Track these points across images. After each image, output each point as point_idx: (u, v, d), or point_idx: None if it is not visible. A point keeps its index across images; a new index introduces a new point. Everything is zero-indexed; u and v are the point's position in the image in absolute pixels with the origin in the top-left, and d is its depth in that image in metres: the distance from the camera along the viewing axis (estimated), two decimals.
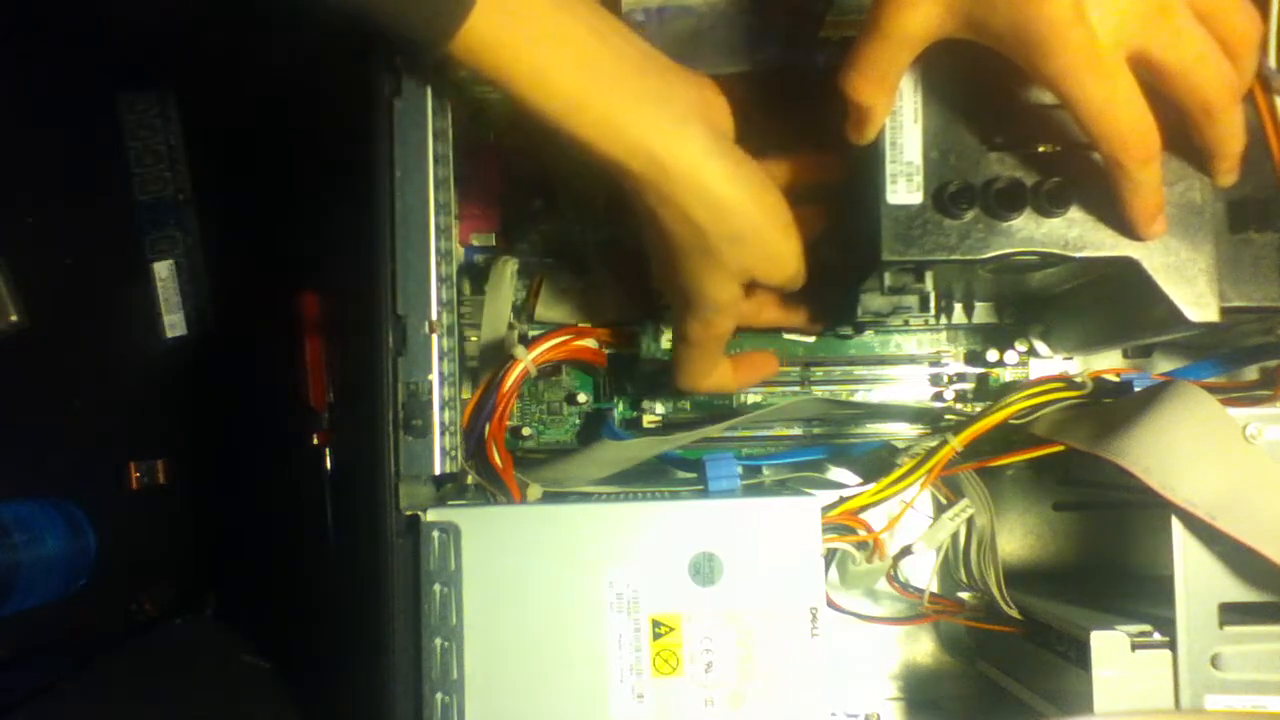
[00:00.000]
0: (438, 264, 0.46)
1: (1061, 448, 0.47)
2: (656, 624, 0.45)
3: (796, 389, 0.60)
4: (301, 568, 0.65)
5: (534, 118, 0.43)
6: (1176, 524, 0.44)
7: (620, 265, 0.57)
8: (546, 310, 0.58)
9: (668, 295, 0.51)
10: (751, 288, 0.49)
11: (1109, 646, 0.44)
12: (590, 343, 0.57)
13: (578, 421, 0.61)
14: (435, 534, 0.45)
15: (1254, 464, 0.43)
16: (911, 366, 0.60)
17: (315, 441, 0.66)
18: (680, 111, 0.44)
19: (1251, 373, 0.53)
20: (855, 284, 0.54)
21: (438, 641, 0.45)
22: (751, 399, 0.61)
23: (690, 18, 0.52)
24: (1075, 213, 0.46)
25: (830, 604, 0.49)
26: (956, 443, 0.49)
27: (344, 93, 0.47)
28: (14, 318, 0.66)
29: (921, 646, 0.62)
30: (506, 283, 0.56)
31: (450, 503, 0.47)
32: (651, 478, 0.56)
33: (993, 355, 0.59)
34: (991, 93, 0.46)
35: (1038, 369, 0.60)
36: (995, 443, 0.51)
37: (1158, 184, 0.43)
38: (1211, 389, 0.44)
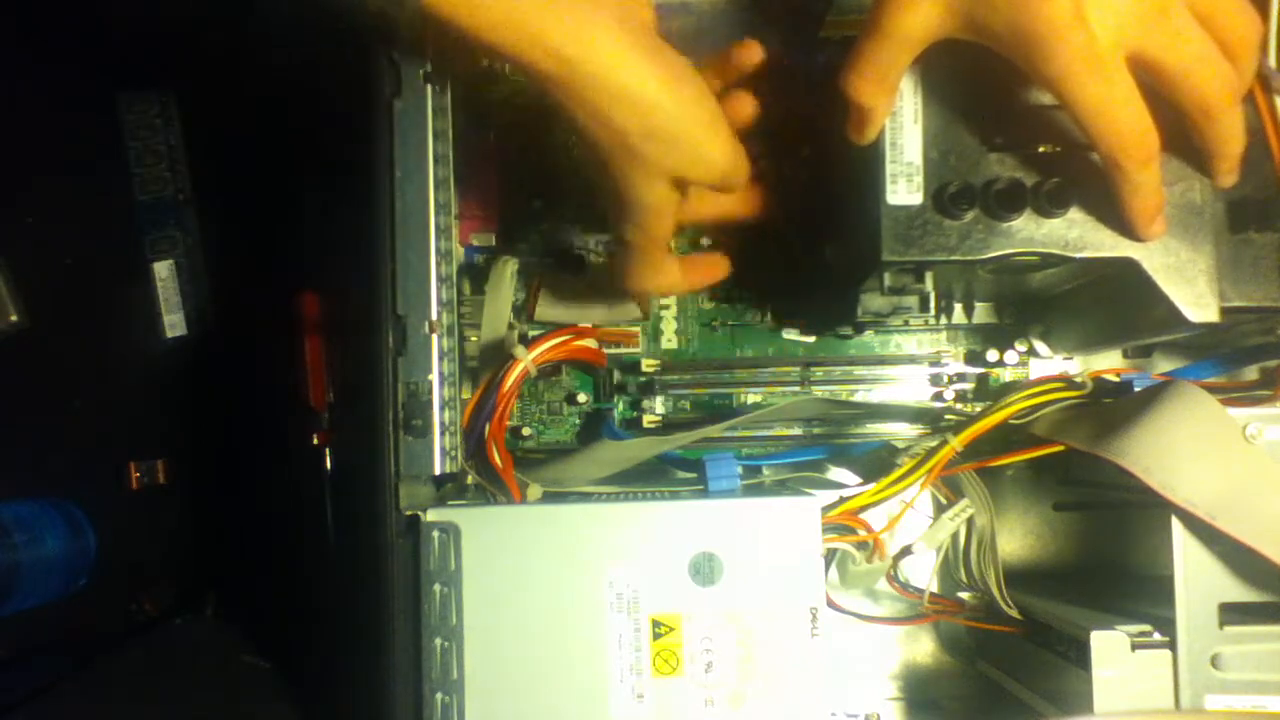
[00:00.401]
0: (438, 264, 0.46)
1: (1061, 448, 0.47)
2: (656, 624, 0.45)
3: (796, 389, 0.60)
4: (301, 568, 0.65)
5: (454, 34, 0.41)
6: (1176, 524, 0.44)
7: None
8: (546, 310, 0.58)
9: (602, 199, 0.49)
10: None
11: (1109, 646, 0.44)
12: (590, 343, 0.57)
13: (578, 421, 0.61)
14: (435, 534, 0.45)
15: (1254, 464, 0.43)
16: (911, 366, 0.60)
17: (315, 441, 0.66)
18: (590, 3, 0.42)
19: (1251, 373, 0.53)
20: (855, 284, 0.54)
21: (438, 641, 0.45)
22: (751, 399, 0.61)
23: (690, 17, 0.52)
24: (1075, 213, 0.46)
25: (830, 604, 0.49)
26: (956, 443, 0.49)
27: (344, 93, 0.47)
28: (14, 318, 0.66)
29: (921, 646, 0.62)
30: (506, 283, 0.56)
31: (450, 503, 0.47)
32: (651, 478, 0.56)
33: (993, 355, 0.59)
34: (991, 93, 0.46)
35: (1038, 369, 0.60)
36: (995, 443, 0.51)
37: (1157, 185, 0.43)
38: (1211, 389, 0.44)
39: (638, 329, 0.60)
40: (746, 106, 0.49)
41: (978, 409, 0.54)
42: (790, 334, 0.61)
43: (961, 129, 0.46)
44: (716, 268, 0.55)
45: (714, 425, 0.56)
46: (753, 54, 0.49)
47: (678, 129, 0.44)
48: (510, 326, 0.56)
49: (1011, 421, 0.49)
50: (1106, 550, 0.56)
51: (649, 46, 0.43)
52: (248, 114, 0.68)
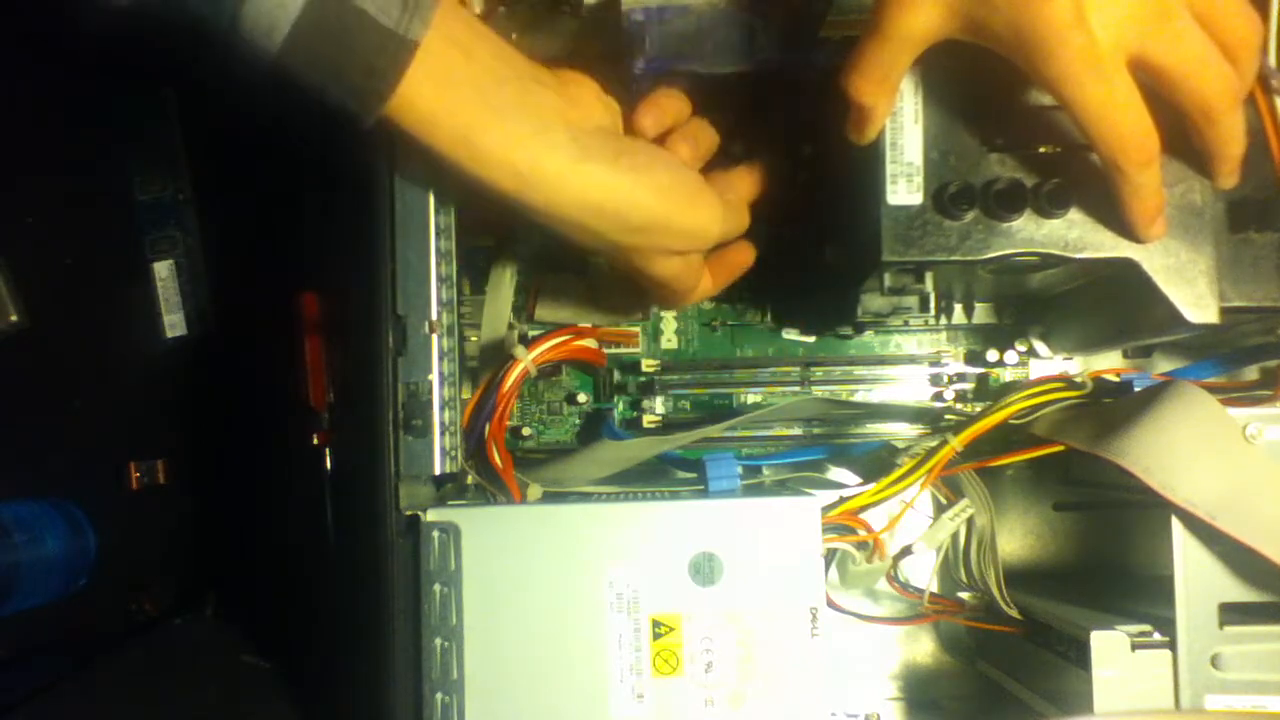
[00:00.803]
0: (438, 264, 0.46)
1: (1061, 448, 0.47)
2: (656, 624, 0.45)
3: (796, 389, 0.60)
4: (301, 568, 0.65)
5: (413, 146, 0.42)
6: (1176, 524, 0.44)
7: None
8: (546, 310, 0.58)
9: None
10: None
11: (1109, 646, 0.44)
12: (590, 343, 0.57)
13: (578, 421, 0.61)
14: (435, 534, 0.45)
15: (1254, 464, 0.43)
16: (911, 366, 0.61)
17: (315, 441, 0.66)
18: (541, 121, 0.42)
19: (1251, 373, 0.53)
20: (855, 284, 0.54)
21: (438, 641, 0.45)
22: (751, 399, 0.61)
23: (690, 17, 0.52)
24: (1075, 214, 0.46)
25: (830, 604, 0.49)
26: (956, 443, 0.49)
27: None
28: (14, 318, 0.66)
29: (921, 646, 0.62)
30: (506, 283, 0.56)
31: (450, 503, 0.47)
32: (651, 478, 0.56)
33: (993, 355, 0.59)
34: (992, 94, 0.46)
35: (1038, 369, 0.60)
36: (995, 443, 0.51)
37: (1157, 186, 0.43)
38: (1211, 389, 0.45)
39: (638, 329, 0.60)
40: (705, 139, 0.50)
41: (978, 409, 0.54)
42: (790, 334, 0.61)
43: (962, 129, 0.46)
44: (743, 255, 0.55)
45: (714, 425, 0.56)
46: (663, 111, 0.49)
47: (657, 218, 0.45)
48: (510, 326, 0.56)
49: (1011, 421, 0.49)
50: (1106, 550, 0.56)
51: (608, 150, 0.44)
52: (248, 114, 0.68)
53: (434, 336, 0.46)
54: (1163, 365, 0.59)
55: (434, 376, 0.46)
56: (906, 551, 0.54)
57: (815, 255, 0.57)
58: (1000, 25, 0.40)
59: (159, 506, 0.67)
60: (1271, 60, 0.45)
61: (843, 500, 0.50)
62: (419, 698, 0.44)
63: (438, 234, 0.46)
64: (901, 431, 0.57)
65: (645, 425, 0.60)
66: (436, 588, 0.45)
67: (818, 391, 0.60)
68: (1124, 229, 0.45)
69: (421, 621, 0.45)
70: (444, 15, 0.40)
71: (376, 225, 0.46)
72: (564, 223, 0.44)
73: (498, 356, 0.54)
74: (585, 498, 0.51)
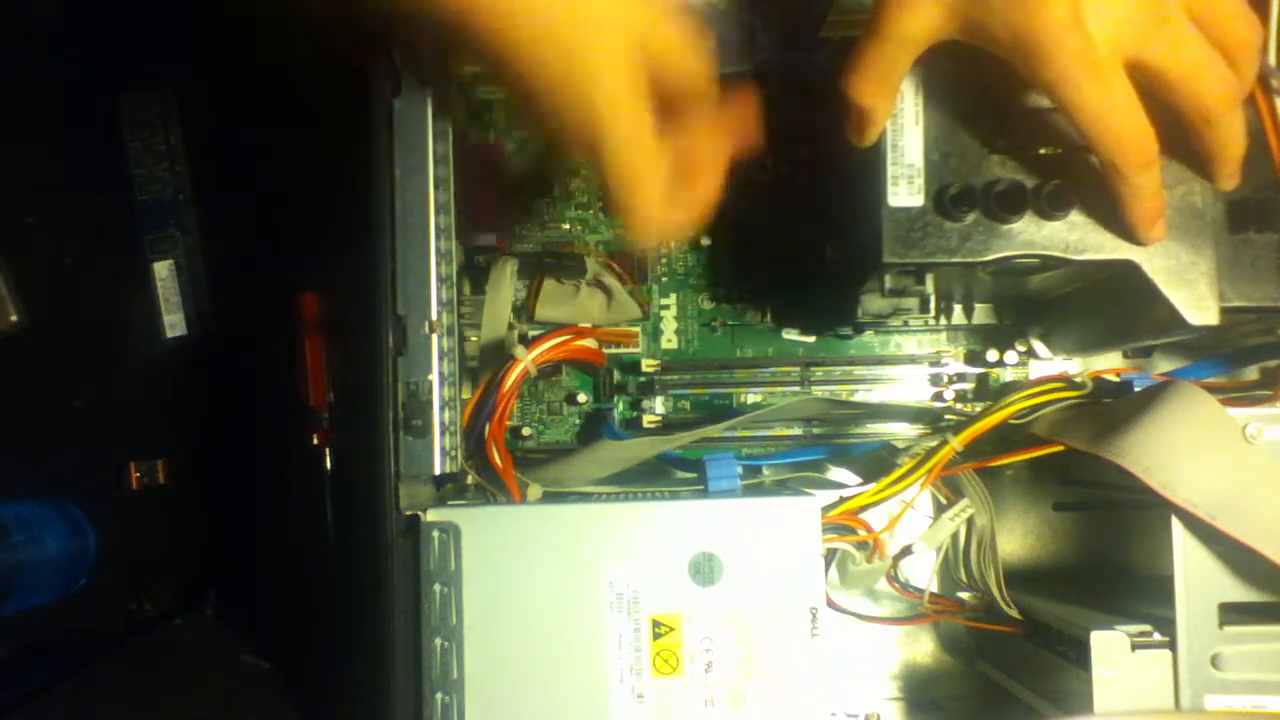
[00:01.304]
0: (438, 264, 0.46)
1: (1061, 448, 0.47)
2: (656, 624, 0.45)
3: (796, 389, 0.60)
4: (301, 568, 0.65)
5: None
6: (1176, 524, 0.44)
7: (621, 266, 0.58)
8: (546, 310, 0.59)
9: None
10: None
11: (1109, 646, 0.44)
12: (590, 343, 0.57)
13: (578, 421, 0.61)
14: (435, 534, 0.45)
15: (1254, 464, 0.43)
16: (911, 366, 0.60)
17: (315, 441, 0.66)
18: None
19: (1251, 373, 0.53)
20: (856, 285, 0.54)
21: (438, 641, 0.45)
22: (751, 399, 0.61)
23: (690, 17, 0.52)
24: (1076, 216, 0.46)
25: (830, 604, 0.49)
26: (956, 443, 0.49)
27: (344, 92, 0.47)
28: (14, 318, 0.66)
29: (921, 646, 0.62)
30: (506, 283, 0.56)
31: (450, 503, 0.47)
32: (651, 478, 0.56)
33: (993, 355, 0.59)
34: (993, 96, 0.46)
35: (1038, 369, 0.60)
36: (995, 443, 0.51)
37: (1156, 189, 0.43)
38: (1211, 389, 0.44)
39: (638, 329, 0.61)
40: (749, 111, 0.47)
41: (978, 409, 0.54)
42: (790, 334, 0.61)
43: (962, 131, 0.46)
44: (749, 106, 0.47)
45: (714, 425, 0.56)
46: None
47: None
48: (510, 326, 0.56)
49: (1011, 421, 0.49)
50: (1106, 550, 0.56)
51: None
52: (248, 114, 0.68)
53: (434, 336, 0.46)
54: (1163, 365, 0.59)
55: (434, 376, 0.46)
56: (906, 551, 0.54)
57: (815, 255, 0.57)
58: (998, 27, 0.40)
59: (159, 506, 0.68)
60: (1271, 60, 0.45)
61: (843, 500, 0.50)
62: (419, 698, 0.44)
63: (438, 234, 0.46)
64: (901, 431, 0.57)
65: (645, 425, 0.60)
66: (436, 588, 0.45)
67: (818, 391, 0.60)
68: (1124, 231, 0.45)
69: (421, 621, 0.45)
70: None
71: (376, 225, 0.46)
72: (494, 12, 0.39)
73: (498, 356, 0.54)
74: (585, 498, 0.51)
